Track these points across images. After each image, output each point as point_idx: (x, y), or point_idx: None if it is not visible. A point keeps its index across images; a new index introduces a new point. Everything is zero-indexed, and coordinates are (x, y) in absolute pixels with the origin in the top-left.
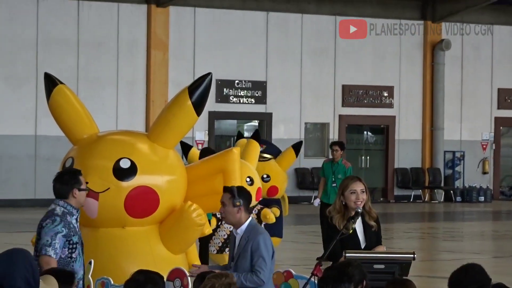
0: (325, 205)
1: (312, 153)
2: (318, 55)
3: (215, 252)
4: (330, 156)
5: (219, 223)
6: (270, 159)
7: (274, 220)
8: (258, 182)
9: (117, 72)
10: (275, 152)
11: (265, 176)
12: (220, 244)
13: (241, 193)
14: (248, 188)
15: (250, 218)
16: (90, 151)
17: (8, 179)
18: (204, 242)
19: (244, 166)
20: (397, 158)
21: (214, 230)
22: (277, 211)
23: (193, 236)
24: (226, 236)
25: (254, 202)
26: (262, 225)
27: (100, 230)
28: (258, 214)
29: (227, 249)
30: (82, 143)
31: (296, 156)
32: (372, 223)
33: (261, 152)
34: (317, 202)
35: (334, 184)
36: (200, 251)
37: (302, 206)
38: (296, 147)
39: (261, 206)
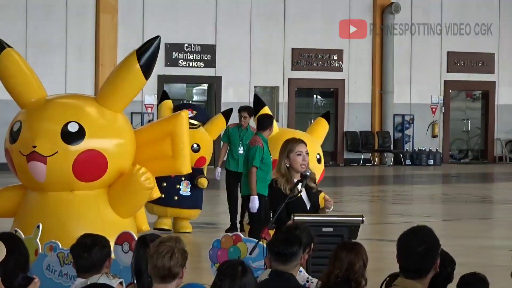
0: (232, 173)
1: None
2: (267, 18)
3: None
4: (237, 121)
5: None
6: (198, 126)
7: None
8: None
9: (66, 36)
10: (204, 119)
11: (195, 145)
12: None
13: None
14: (317, 166)
15: None
16: (38, 115)
17: None
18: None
19: (314, 143)
20: (346, 121)
21: None
22: (205, 182)
23: (141, 199)
24: None
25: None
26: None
27: (48, 194)
28: None
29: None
30: (30, 106)
31: (226, 123)
32: (313, 184)
33: (190, 118)
34: (218, 171)
35: (242, 152)
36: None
37: None
38: (226, 114)
39: (318, 190)
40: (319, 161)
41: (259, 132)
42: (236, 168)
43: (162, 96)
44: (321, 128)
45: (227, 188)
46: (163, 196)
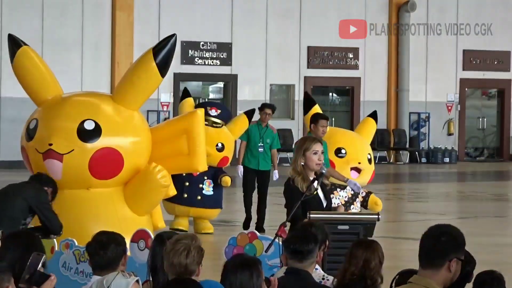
0: (251, 171)
1: (277, 115)
2: (284, 16)
3: None
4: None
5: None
6: (222, 125)
7: (381, 207)
8: (373, 162)
9: (82, 34)
10: (227, 117)
11: (219, 144)
12: None
13: None
14: (368, 166)
15: None
16: (54, 113)
17: None
18: None
19: (364, 144)
20: (362, 119)
21: None
22: (229, 180)
23: (157, 197)
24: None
25: (365, 182)
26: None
27: (64, 191)
28: (366, 198)
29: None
30: (46, 104)
31: (249, 123)
32: (327, 181)
33: (214, 117)
34: (240, 170)
35: (262, 149)
36: None
37: None
38: (249, 114)
39: (368, 191)
40: (369, 161)
41: (310, 131)
42: (257, 166)
43: (183, 94)
44: (370, 127)
45: (244, 186)
46: (185, 196)
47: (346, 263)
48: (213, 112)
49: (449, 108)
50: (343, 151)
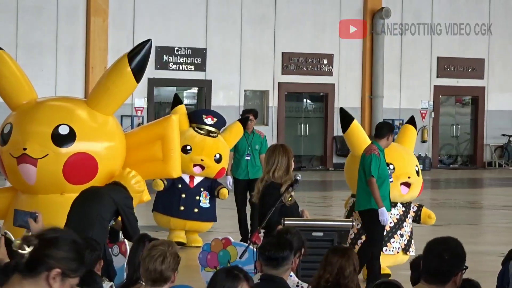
0: (241, 182)
1: None
2: (258, 22)
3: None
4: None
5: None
6: (217, 134)
7: (434, 220)
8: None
9: (57, 39)
10: (222, 125)
11: (217, 155)
12: (353, 236)
13: None
14: (417, 179)
15: None
16: (29, 117)
17: None
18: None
19: (412, 156)
20: (336, 126)
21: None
22: (227, 192)
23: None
24: (359, 226)
25: (415, 196)
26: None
27: (38, 196)
28: (417, 213)
29: (359, 241)
30: (21, 109)
31: (244, 129)
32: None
33: (210, 125)
34: (229, 180)
35: (248, 157)
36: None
37: None
38: (243, 122)
39: (419, 204)
40: (418, 173)
41: (375, 141)
42: (247, 176)
43: (174, 101)
44: (411, 135)
45: (236, 200)
46: (182, 208)
47: (321, 270)
48: (209, 120)
49: (423, 115)
50: (391, 166)
